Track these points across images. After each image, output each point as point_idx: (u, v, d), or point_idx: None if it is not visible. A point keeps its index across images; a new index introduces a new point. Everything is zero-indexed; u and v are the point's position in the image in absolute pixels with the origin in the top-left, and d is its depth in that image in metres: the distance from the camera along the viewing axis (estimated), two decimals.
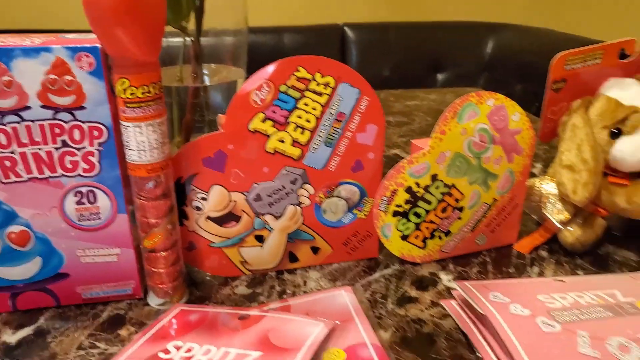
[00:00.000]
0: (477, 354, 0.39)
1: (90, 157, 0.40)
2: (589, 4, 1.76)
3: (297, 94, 0.44)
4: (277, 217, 0.47)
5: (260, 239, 0.48)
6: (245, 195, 0.46)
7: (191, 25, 0.51)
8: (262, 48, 1.50)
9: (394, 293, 0.47)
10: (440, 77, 1.64)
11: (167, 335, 0.40)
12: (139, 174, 0.40)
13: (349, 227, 0.50)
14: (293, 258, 0.50)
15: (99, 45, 0.38)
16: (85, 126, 0.39)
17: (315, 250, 0.50)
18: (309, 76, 0.44)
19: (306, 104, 0.44)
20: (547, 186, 0.54)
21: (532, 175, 0.71)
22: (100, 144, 0.40)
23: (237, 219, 0.47)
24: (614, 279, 0.46)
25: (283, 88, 0.43)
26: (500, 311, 0.39)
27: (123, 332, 0.42)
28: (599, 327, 0.38)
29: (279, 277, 0.49)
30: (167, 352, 0.37)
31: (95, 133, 0.40)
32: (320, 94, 0.44)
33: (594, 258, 0.52)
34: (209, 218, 0.46)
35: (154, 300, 0.45)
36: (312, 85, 0.44)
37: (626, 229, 0.56)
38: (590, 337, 0.37)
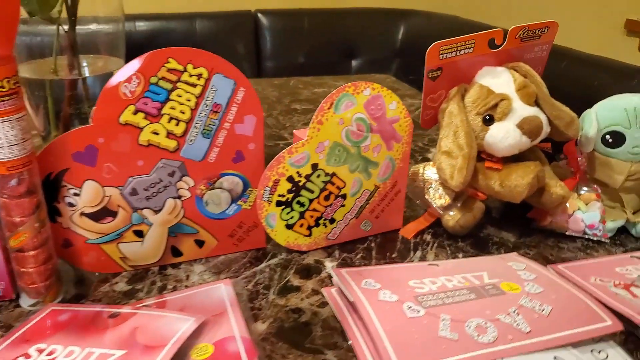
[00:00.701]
0: (349, 342, 0.40)
1: None
2: None
3: (169, 86, 0.43)
4: (156, 211, 0.47)
5: (139, 234, 0.47)
6: (120, 189, 0.45)
7: (64, 13, 0.49)
8: (173, 34, 1.46)
9: (277, 283, 0.47)
10: (354, 63, 1.65)
11: (32, 337, 0.38)
12: None
13: (234, 218, 0.50)
14: (176, 252, 0.49)
15: None
16: None
17: (200, 243, 0.50)
18: (180, 67, 0.43)
19: (179, 96, 0.43)
20: (429, 172, 0.56)
21: (427, 160, 0.73)
22: None
23: (113, 214, 0.45)
24: (485, 261, 0.48)
25: (154, 80, 0.42)
26: (369, 298, 0.40)
27: None
28: (460, 309, 0.40)
29: (162, 272, 0.48)
30: (27, 356, 0.36)
31: None
32: (193, 85, 0.43)
33: (475, 240, 0.55)
34: (83, 214, 0.45)
35: (25, 301, 0.44)
36: (185, 77, 0.43)
37: (504, 211, 0.59)
38: (451, 319, 0.38)
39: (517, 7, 1.75)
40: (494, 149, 0.52)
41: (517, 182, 0.51)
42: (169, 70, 0.42)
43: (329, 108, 0.47)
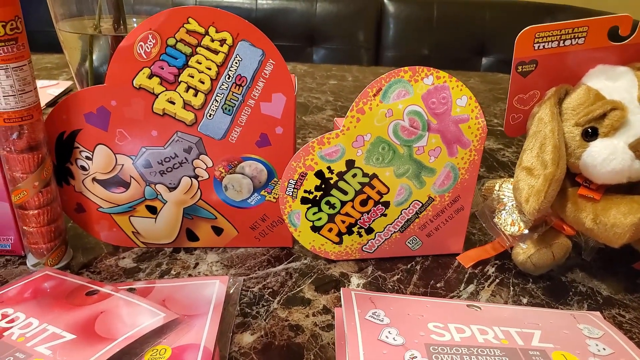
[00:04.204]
0: None
1: None
2: None
3: (187, 50, 0.38)
4: (170, 189, 0.42)
5: (153, 210, 0.43)
6: (132, 159, 0.41)
7: None
8: (292, 14, 1.40)
9: (288, 291, 0.41)
10: (484, 61, 1.46)
11: (7, 300, 0.36)
12: None
13: (256, 209, 0.44)
14: (192, 236, 0.45)
15: None
16: None
17: (218, 230, 0.45)
18: (201, 30, 0.37)
19: (199, 62, 0.38)
20: (507, 190, 0.45)
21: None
22: None
23: (125, 184, 0.42)
24: (547, 315, 0.37)
25: (171, 41, 0.38)
26: (367, 335, 0.32)
27: None
28: None
29: (172, 255, 0.44)
30: None
31: None
32: (215, 52, 0.38)
33: (551, 285, 0.43)
34: (95, 180, 0.42)
35: (30, 260, 0.42)
36: (206, 41, 0.38)
37: (601, 254, 0.45)
38: None
39: None
40: (591, 173, 0.40)
41: (617, 220, 0.38)
42: (189, 32, 0.37)
43: (374, 95, 0.39)
